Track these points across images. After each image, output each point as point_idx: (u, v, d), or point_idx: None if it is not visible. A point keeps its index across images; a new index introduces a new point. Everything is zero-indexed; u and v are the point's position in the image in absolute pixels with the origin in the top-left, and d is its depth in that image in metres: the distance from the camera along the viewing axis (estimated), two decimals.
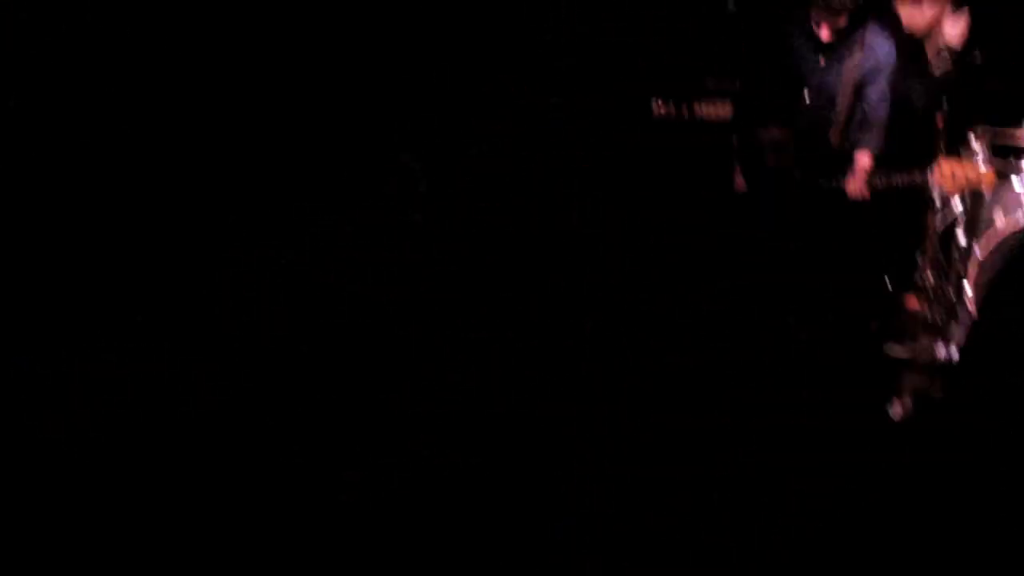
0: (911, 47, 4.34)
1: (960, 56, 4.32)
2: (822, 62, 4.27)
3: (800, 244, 4.20)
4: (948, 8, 4.31)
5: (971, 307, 4.11)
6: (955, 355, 4.12)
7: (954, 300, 4.17)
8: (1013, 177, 4.20)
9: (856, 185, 4.22)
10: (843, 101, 4.22)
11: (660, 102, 4.50)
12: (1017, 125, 4.17)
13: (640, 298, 4.44)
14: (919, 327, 4.20)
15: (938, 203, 4.21)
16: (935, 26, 4.31)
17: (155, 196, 4.63)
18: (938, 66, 4.32)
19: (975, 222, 4.26)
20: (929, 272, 4.21)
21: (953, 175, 3.83)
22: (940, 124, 4.26)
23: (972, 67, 4.35)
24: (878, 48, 4.23)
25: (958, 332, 4.12)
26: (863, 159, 4.24)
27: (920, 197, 4.12)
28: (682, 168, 4.54)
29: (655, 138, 4.52)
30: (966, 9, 4.30)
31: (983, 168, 3.89)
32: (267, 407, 3.89)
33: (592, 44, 4.90)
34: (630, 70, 4.77)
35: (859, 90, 4.25)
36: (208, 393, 3.93)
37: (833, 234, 4.20)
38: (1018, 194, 4.17)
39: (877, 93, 4.25)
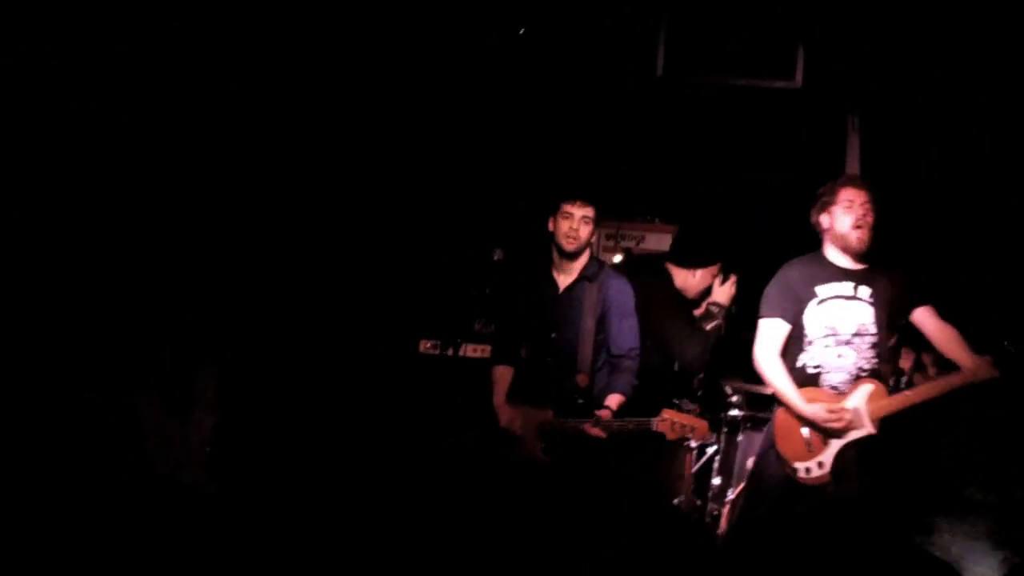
0: (683, 303, 4.91)
1: (729, 313, 4.91)
2: (560, 292, 4.32)
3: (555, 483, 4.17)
4: (718, 272, 4.93)
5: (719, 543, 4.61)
6: None
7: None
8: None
9: (594, 427, 4.12)
10: (585, 337, 4.24)
11: (428, 342, 5.02)
12: None
13: None
14: None
15: (695, 448, 4.77)
16: (706, 288, 4.92)
17: None
18: (708, 321, 4.88)
19: (728, 466, 4.82)
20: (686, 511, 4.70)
21: (672, 424, 4.12)
22: (701, 374, 4.84)
23: (737, 323, 4.96)
24: (612, 285, 4.33)
25: None
26: (612, 401, 4.19)
27: (676, 442, 4.49)
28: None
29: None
30: (734, 276, 4.90)
31: (699, 419, 4.15)
32: None
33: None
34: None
35: (601, 324, 4.29)
36: None
37: (584, 475, 4.17)
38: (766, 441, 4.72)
39: (627, 327, 4.30)
